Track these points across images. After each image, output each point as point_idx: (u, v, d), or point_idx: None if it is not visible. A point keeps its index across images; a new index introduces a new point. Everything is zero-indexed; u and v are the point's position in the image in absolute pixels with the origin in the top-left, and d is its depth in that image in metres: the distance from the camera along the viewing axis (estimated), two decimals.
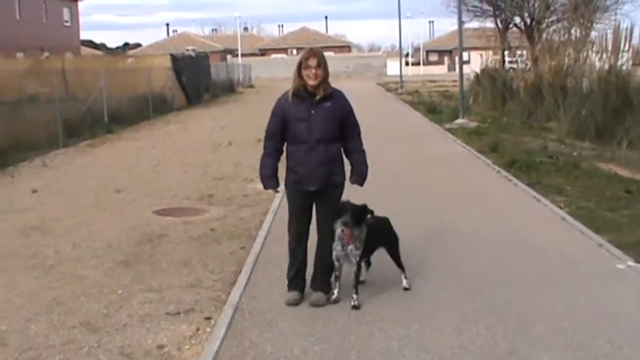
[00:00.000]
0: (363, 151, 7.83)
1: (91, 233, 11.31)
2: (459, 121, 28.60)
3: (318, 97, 7.44)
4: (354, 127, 7.77)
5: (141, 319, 7.51)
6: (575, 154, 19.32)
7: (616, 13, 35.07)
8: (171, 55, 41.37)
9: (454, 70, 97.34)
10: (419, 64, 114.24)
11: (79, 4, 68.79)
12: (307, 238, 7.82)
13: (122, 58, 45.77)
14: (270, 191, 7.99)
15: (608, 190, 13.84)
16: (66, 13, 64.74)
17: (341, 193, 7.66)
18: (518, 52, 39.12)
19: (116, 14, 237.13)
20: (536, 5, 39.27)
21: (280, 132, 7.62)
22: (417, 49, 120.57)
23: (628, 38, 24.15)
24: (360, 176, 7.76)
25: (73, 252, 10.25)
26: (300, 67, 7.43)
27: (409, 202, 12.57)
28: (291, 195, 7.74)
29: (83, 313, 7.71)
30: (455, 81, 46.26)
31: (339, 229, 7.46)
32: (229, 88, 58.18)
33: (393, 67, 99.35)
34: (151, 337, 7.01)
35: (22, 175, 17.50)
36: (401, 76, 66.67)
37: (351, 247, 7.46)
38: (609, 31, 25.72)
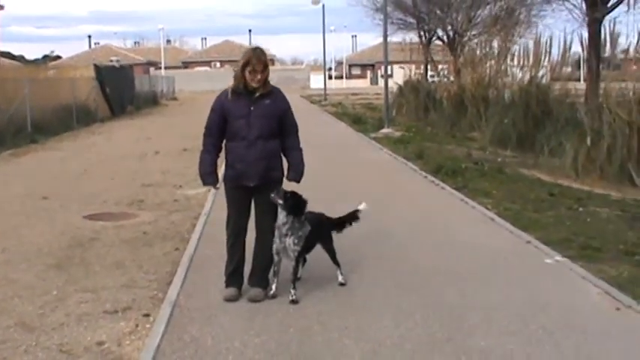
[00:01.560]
0: (301, 149, 7.92)
1: (20, 238, 11.14)
2: (384, 130, 28.93)
3: (257, 94, 7.52)
4: (292, 125, 7.87)
5: (78, 317, 7.45)
6: (499, 160, 19.74)
7: (537, 26, 35.79)
8: (95, 65, 40.96)
9: (376, 83, 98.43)
10: (342, 77, 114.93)
11: None
12: (245, 235, 7.88)
13: (44, 69, 45.06)
14: (210, 188, 8.03)
15: (532, 193, 14.19)
16: None
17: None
18: (440, 67, 39.69)
19: (35, 26, 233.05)
20: (459, 18, 39.86)
21: (219, 128, 7.67)
22: (339, 63, 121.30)
23: (548, 51, 24.74)
24: (297, 173, 7.84)
25: (2, 256, 10.09)
26: (244, 67, 7.48)
27: (340, 204, 12.64)
28: (230, 191, 7.80)
29: (17, 314, 7.61)
30: (378, 94, 46.74)
31: (280, 217, 7.56)
32: (153, 100, 57.74)
33: (316, 81, 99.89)
34: (89, 335, 6.96)
35: None
36: (325, 88, 67.07)
37: (289, 240, 7.55)
38: (531, 43, 26.31)
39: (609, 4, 21.33)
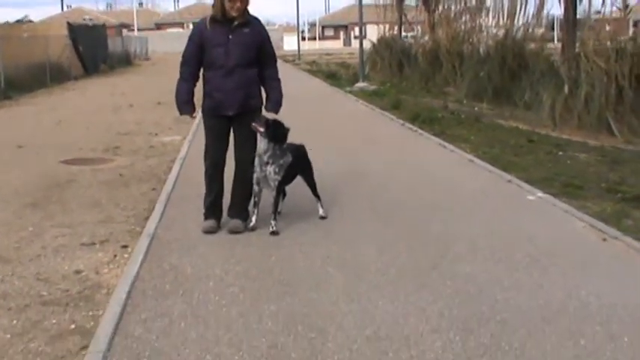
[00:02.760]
0: (279, 79, 7.76)
1: None
2: (359, 84, 28.82)
3: (236, 23, 7.34)
4: (271, 55, 7.71)
5: (55, 250, 7.32)
6: (475, 109, 19.71)
7: None
8: (68, 23, 40.38)
9: (349, 44, 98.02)
10: (315, 39, 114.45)
11: None
12: (224, 166, 7.74)
13: (18, 28, 44.42)
14: (186, 116, 7.86)
15: (511, 140, 14.19)
16: None
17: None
18: (413, 26, 39.40)
19: None
20: None
21: (197, 57, 7.50)
22: (312, 25, 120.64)
23: (523, 3, 24.60)
24: (275, 103, 7.66)
25: None
26: None
27: (322, 149, 12.53)
28: (208, 121, 7.64)
29: None
30: (351, 54, 46.44)
31: (261, 145, 7.43)
32: (126, 60, 57.16)
33: (288, 42, 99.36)
34: (66, 265, 6.84)
35: None
36: (299, 47, 67.06)
37: (270, 169, 7.43)
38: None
39: None
